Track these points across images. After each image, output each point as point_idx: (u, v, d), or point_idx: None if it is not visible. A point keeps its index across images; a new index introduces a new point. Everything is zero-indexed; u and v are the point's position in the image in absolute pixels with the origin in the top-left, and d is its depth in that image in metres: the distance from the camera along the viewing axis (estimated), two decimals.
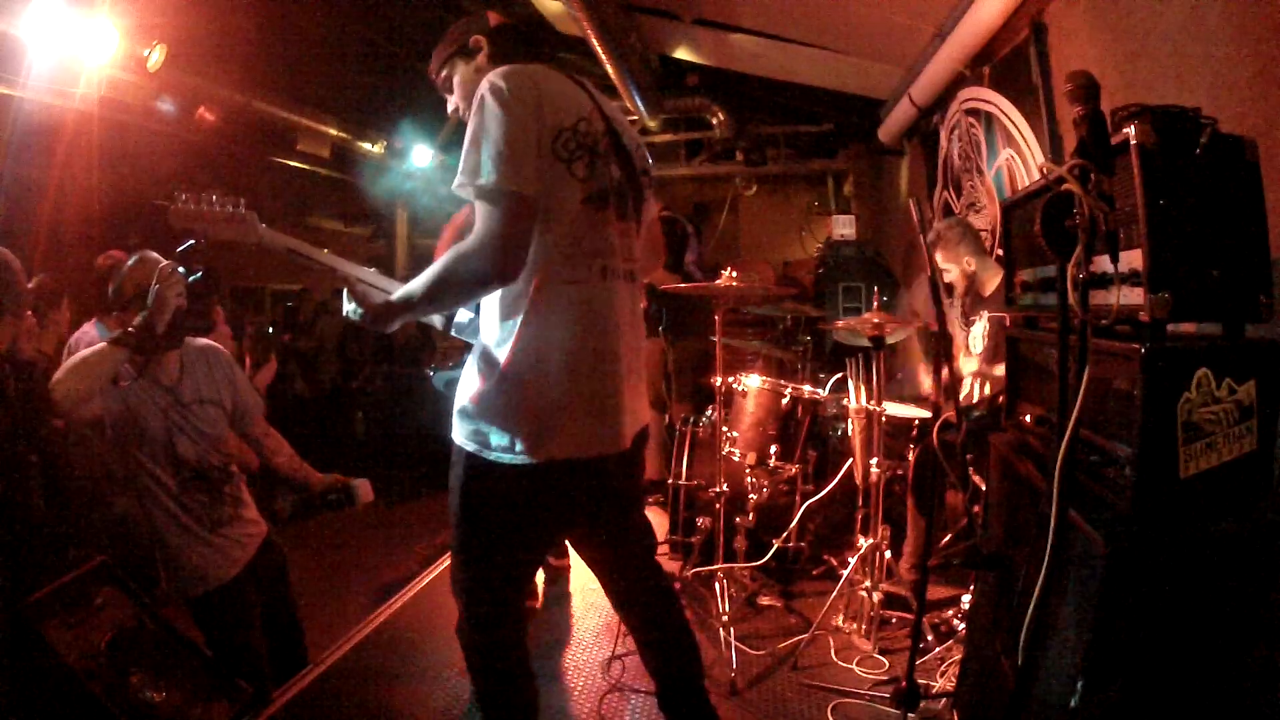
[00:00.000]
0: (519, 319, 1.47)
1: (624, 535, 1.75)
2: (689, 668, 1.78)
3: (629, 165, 1.61)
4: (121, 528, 2.89)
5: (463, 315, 1.75)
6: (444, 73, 1.69)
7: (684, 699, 1.77)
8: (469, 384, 1.55)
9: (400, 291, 1.54)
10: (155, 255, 2.15)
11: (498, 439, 1.48)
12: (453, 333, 1.74)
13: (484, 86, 1.42)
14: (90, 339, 2.91)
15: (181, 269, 2.04)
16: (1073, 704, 1.23)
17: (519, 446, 1.46)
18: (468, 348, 1.64)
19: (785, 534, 3.15)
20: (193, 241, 2.06)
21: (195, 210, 1.62)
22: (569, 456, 1.48)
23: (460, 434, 1.54)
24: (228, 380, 2.35)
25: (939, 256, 3.03)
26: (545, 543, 1.75)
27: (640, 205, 1.66)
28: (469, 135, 1.42)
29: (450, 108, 1.73)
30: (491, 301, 1.52)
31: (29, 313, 2.66)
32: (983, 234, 3.79)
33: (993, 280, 2.95)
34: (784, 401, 3.30)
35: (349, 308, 1.60)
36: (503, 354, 1.48)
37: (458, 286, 1.45)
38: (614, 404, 1.54)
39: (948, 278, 3.06)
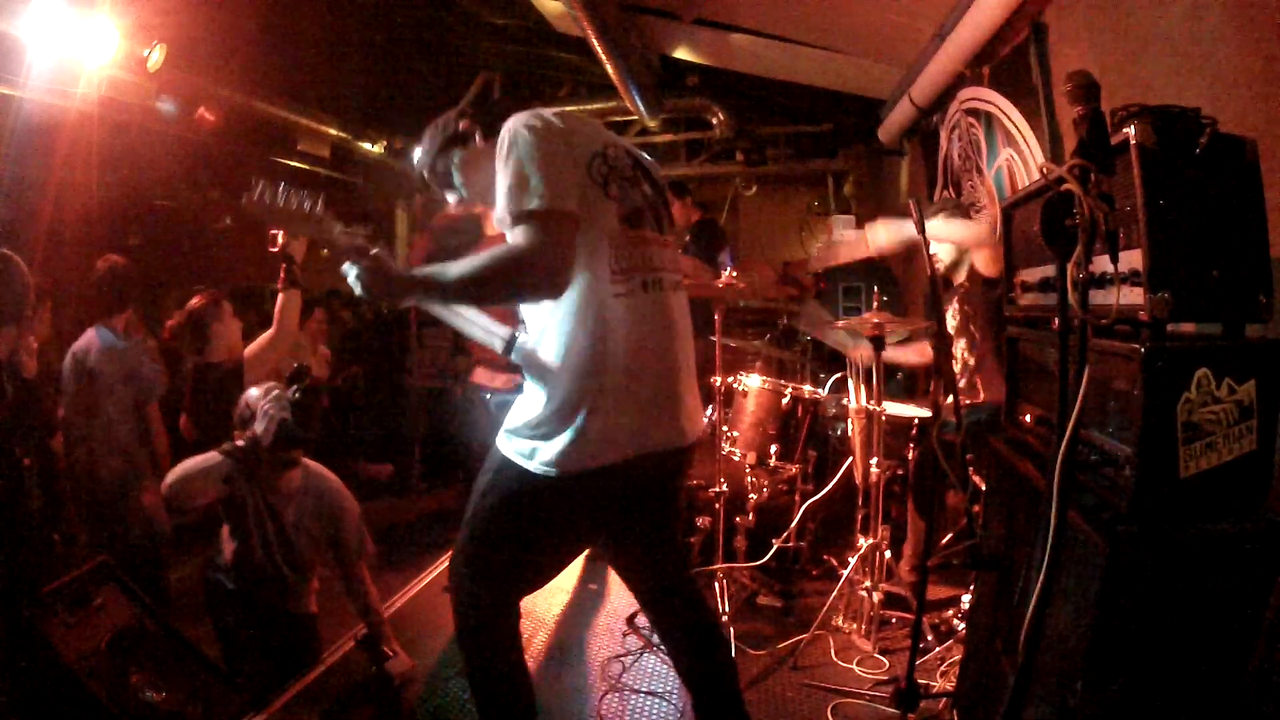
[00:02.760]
0: (570, 336, 1.49)
1: (661, 541, 1.75)
2: (725, 677, 1.76)
3: (655, 184, 1.67)
4: (122, 527, 2.89)
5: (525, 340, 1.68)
6: (439, 167, 1.73)
7: (720, 711, 1.75)
8: (525, 401, 1.56)
9: (426, 270, 1.49)
10: (270, 383, 2.32)
11: (547, 452, 1.48)
12: (513, 358, 1.65)
13: (512, 124, 1.45)
14: (92, 345, 2.89)
15: (290, 388, 2.26)
16: (1073, 704, 1.23)
17: (577, 459, 1.47)
18: (513, 368, 1.63)
19: (785, 534, 3.15)
20: (299, 364, 2.33)
21: (270, 205, 1.55)
22: (625, 459, 1.51)
23: (508, 445, 1.55)
24: (333, 514, 2.41)
25: (940, 219, 2.93)
26: (566, 552, 1.74)
27: (671, 220, 1.72)
28: (508, 173, 1.42)
29: (454, 199, 1.75)
30: (542, 321, 1.53)
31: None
32: None
33: (963, 272, 2.95)
34: (784, 401, 3.29)
35: (351, 272, 1.49)
36: (556, 370, 1.50)
37: (503, 287, 1.45)
38: (672, 404, 1.59)
39: (939, 251, 2.96)
